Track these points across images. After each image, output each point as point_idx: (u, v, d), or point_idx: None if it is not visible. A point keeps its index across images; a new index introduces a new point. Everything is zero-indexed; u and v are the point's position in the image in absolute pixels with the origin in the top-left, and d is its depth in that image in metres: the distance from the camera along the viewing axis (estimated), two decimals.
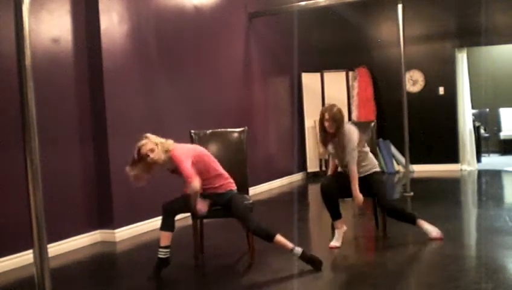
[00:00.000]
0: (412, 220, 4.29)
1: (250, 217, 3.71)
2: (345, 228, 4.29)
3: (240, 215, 3.73)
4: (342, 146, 4.15)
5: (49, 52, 4.50)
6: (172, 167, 3.73)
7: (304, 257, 3.62)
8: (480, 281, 3.22)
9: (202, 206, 3.67)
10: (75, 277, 3.91)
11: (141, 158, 3.64)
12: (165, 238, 3.69)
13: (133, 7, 5.24)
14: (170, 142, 3.68)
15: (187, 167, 3.55)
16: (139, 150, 3.64)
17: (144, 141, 3.64)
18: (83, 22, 4.83)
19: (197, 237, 4.03)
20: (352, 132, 4.15)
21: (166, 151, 3.63)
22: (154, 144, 3.62)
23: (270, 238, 3.63)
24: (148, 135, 3.68)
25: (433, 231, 4.26)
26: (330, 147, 4.28)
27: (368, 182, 4.24)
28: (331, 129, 4.15)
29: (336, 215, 4.25)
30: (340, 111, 4.19)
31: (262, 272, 3.65)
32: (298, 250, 3.61)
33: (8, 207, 4.02)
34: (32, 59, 2.10)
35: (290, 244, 3.63)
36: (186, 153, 3.64)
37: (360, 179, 4.20)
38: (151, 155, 3.59)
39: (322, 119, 4.21)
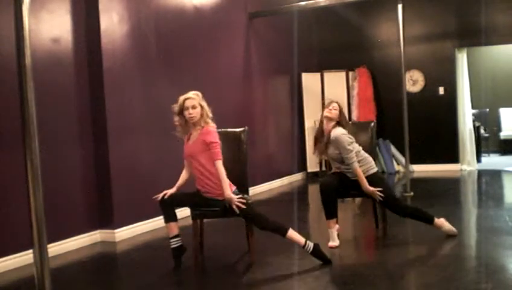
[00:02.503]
0: (429, 220, 4.24)
1: (260, 216, 3.71)
2: (337, 227, 4.23)
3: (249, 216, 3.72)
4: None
5: (49, 52, 4.50)
6: (192, 138, 3.77)
7: (315, 252, 3.68)
8: (480, 281, 3.22)
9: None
10: (75, 277, 3.91)
11: (181, 111, 3.72)
12: (171, 229, 3.81)
13: (133, 7, 5.24)
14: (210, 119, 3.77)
15: (219, 147, 3.67)
16: (184, 101, 3.70)
17: (192, 95, 3.72)
18: (83, 22, 4.83)
19: (197, 237, 4.03)
20: (339, 135, 4.18)
21: (205, 119, 3.71)
22: (199, 104, 3.71)
23: (283, 232, 3.67)
24: (199, 93, 3.76)
25: (452, 230, 4.24)
26: (331, 149, 4.26)
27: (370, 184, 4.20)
28: (336, 117, 4.22)
29: (329, 214, 4.20)
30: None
31: (262, 272, 3.65)
32: (311, 245, 3.67)
33: (8, 207, 4.02)
34: (32, 59, 2.10)
35: (302, 240, 3.68)
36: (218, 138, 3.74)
37: (357, 181, 4.18)
38: (191, 111, 3.66)
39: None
